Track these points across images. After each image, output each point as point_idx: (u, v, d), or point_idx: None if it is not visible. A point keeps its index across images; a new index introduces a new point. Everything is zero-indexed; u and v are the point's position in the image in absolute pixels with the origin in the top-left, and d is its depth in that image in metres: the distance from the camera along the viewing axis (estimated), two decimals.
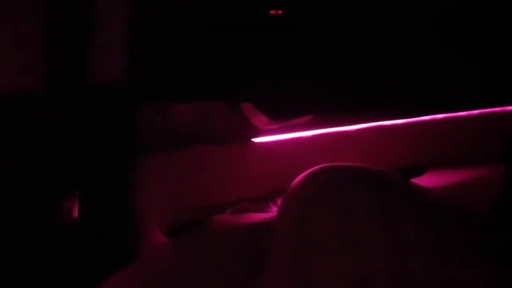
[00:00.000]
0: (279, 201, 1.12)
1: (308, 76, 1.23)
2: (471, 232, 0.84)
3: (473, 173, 1.41)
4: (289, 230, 0.82)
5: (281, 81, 1.21)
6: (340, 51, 1.25)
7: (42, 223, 1.03)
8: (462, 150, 1.49)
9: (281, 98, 1.22)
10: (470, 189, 1.35)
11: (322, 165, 0.88)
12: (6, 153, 1.00)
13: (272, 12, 1.17)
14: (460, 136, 1.49)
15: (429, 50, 1.32)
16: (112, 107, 1.08)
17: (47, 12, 0.98)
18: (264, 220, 0.98)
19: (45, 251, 1.04)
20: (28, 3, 0.97)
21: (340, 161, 0.90)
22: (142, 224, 1.15)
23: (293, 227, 0.82)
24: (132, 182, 1.13)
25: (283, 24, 1.18)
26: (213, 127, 1.24)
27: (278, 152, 1.31)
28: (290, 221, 0.83)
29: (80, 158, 1.05)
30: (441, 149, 1.47)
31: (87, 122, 1.05)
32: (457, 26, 1.35)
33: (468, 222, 0.86)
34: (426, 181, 1.32)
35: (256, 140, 1.29)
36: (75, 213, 1.06)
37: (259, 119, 1.23)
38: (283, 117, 1.25)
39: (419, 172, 1.39)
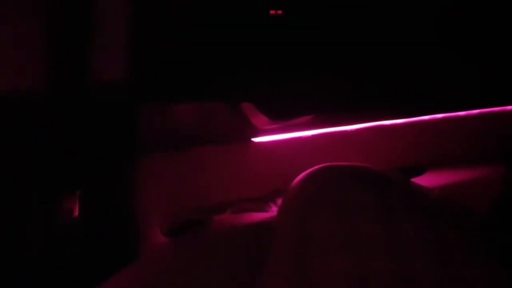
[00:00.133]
0: (279, 201, 1.12)
1: (308, 76, 1.23)
2: (471, 232, 0.84)
3: (473, 173, 1.42)
4: (289, 230, 0.82)
5: (281, 81, 1.21)
6: (340, 51, 1.25)
7: (42, 223, 1.03)
8: (462, 150, 1.49)
9: (281, 98, 1.22)
10: (470, 189, 1.35)
11: (322, 165, 0.88)
12: (6, 153, 1.00)
13: (272, 12, 1.17)
14: (459, 136, 1.49)
15: (429, 50, 1.32)
16: (112, 107, 1.08)
17: (47, 12, 0.98)
18: (264, 220, 0.98)
19: (45, 251, 1.04)
20: (28, 3, 0.97)
21: (340, 161, 0.90)
22: (142, 224, 1.15)
23: (293, 227, 0.82)
24: (132, 182, 1.13)
25: (283, 24, 1.18)
26: (213, 127, 1.24)
27: (278, 152, 1.31)
28: (290, 221, 0.83)
29: (80, 158, 1.05)
30: (441, 149, 1.47)
31: (87, 122, 1.05)
32: (457, 26, 1.35)
33: (468, 222, 0.86)
34: (426, 181, 1.32)
35: (256, 140, 1.29)
36: (75, 213, 1.06)
37: (259, 119, 1.23)
38: (283, 117, 1.25)
39: (419, 172, 1.39)
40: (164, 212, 1.14)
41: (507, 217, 0.89)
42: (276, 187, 1.23)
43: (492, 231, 0.86)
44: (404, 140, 1.43)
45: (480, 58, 1.39)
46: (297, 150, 1.31)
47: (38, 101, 1.00)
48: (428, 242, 0.79)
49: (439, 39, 1.33)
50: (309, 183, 0.85)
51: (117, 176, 1.11)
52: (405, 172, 1.30)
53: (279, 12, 1.18)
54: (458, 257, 0.79)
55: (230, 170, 1.26)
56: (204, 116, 1.22)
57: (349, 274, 0.77)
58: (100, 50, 1.04)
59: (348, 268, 0.77)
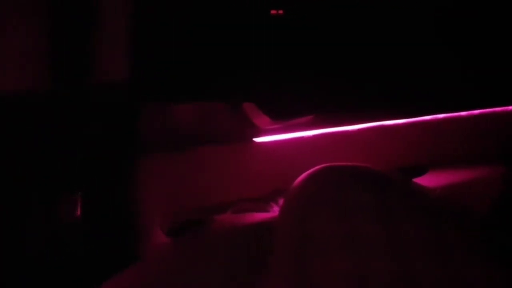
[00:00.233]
0: (281, 201, 1.12)
1: (309, 76, 1.23)
2: (471, 232, 0.84)
3: (473, 173, 1.42)
4: (290, 230, 0.82)
5: (281, 81, 1.21)
6: (340, 51, 1.25)
7: (42, 223, 1.03)
8: (463, 150, 1.49)
9: (282, 98, 1.22)
10: (470, 189, 1.35)
11: (322, 165, 0.88)
12: (6, 153, 1.00)
13: (273, 12, 1.17)
14: (460, 136, 1.49)
15: (429, 50, 1.32)
16: (112, 107, 1.08)
17: (47, 12, 0.98)
18: (265, 220, 0.98)
19: (46, 251, 1.04)
20: (28, 3, 0.97)
21: (341, 161, 0.90)
22: (142, 224, 1.15)
23: (293, 227, 0.82)
24: (132, 182, 1.13)
25: (284, 24, 1.18)
26: (213, 127, 1.24)
27: (279, 152, 1.31)
28: (290, 221, 0.83)
29: (80, 158, 1.05)
30: (442, 149, 1.47)
31: (87, 122, 1.05)
32: (457, 26, 1.35)
33: (468, 222, 0.86)
34: (426, 181, 1.32)
35: (257, 140, 1.29)
36: (76, 213, 1.06)
37: (260, 119, 1.23)
38: (284, 117, 1.25)
39: (419, 172, 1.39)
40: (164, 212, 1.14)
41: (507, 217, 0.89)
42: (276, 187, 1.23)
43: (492, 231, 0.86)
44: (404, 140, 1.43)
45: (480, 58, 1.39)
46: (298, 150, 1.31)
47: (38, 101, 1.00)
48: (428, 242, 0.79)
49: (440, 39, 1.33)
50: (309, 183, 0.85)
51: (117, 176, 1.11)
52: (405, 172, 1.30)
53: (280, 12, 1.18)
54: (458, 257, 0.79)
55: (231, 170, 1.26)
56: (204, 116, 1.22)
57: (349, 274, 0.77)
58: (100, 50, 1.04)
59: (348, 268, 0.77)
